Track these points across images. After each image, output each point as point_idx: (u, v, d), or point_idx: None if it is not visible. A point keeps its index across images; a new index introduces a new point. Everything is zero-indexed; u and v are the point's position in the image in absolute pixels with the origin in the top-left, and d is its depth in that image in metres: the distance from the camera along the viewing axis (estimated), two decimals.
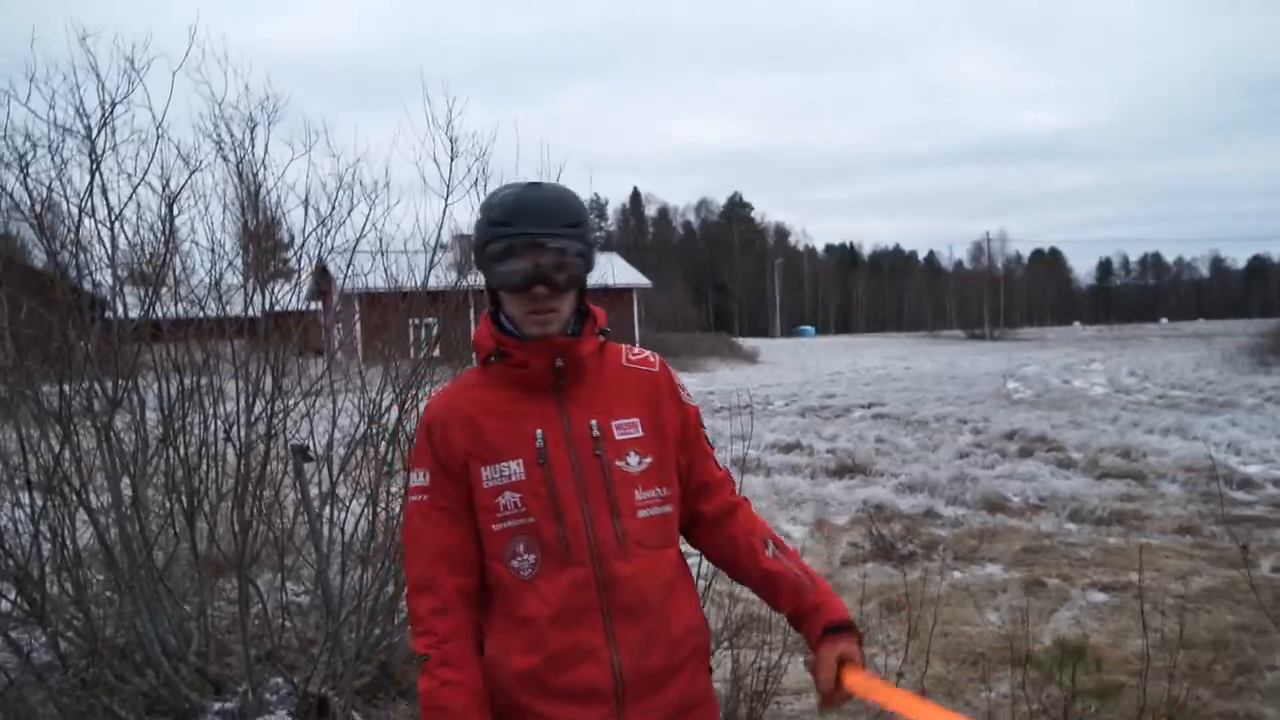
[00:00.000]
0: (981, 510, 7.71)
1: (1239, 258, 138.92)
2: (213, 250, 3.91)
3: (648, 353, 1.72)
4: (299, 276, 4.79)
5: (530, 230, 1.51)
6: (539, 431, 1.56)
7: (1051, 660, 4.04)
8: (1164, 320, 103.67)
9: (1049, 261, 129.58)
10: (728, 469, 1.76)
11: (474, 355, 1.65)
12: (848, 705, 1.66)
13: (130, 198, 3.46)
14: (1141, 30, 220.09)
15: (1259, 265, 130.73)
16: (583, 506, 1.54)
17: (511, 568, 1.55)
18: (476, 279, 5.30)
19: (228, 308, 4.22)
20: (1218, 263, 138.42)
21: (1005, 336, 68.56)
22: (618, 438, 1.58)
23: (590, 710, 1.52)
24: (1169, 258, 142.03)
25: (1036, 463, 10.02)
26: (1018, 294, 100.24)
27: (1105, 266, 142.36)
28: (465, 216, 4.19)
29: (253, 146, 3.72)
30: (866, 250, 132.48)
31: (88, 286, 3.73)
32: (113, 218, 3.42)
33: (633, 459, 1.58)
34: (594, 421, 1.57)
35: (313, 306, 6.21)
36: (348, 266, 4.44)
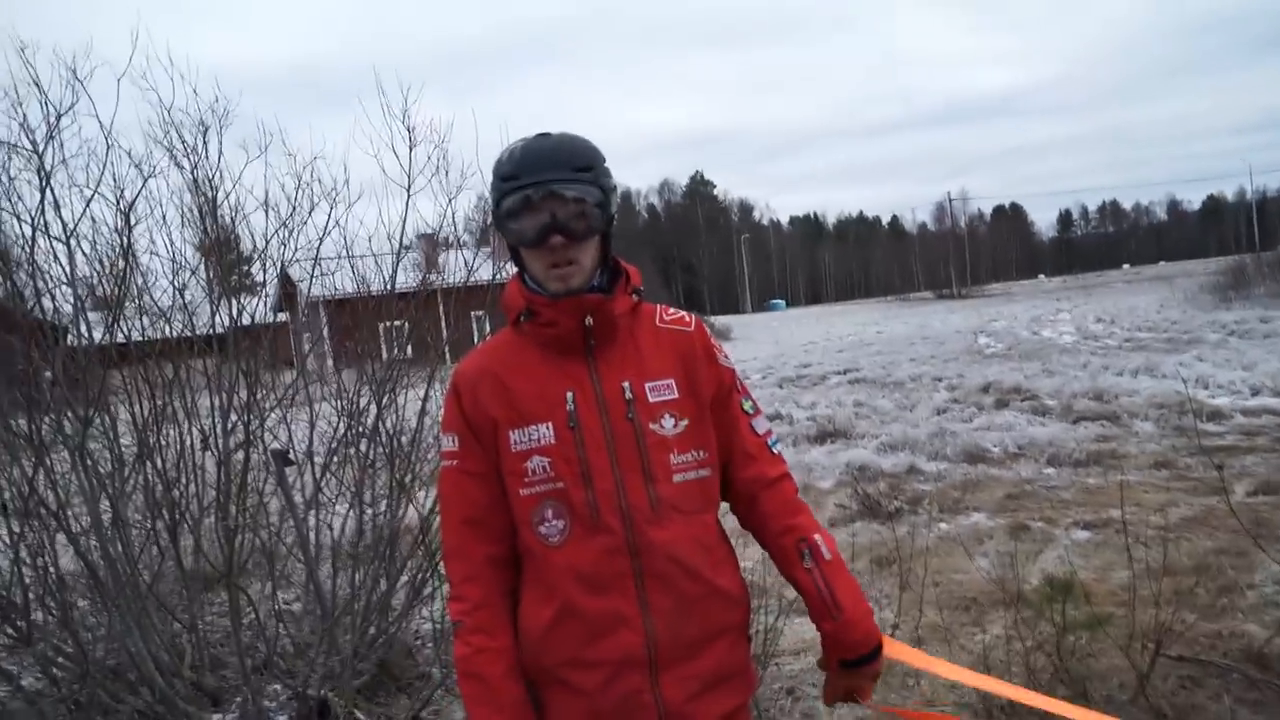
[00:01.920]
0: (963, 463, 7.81)
1: (1194, 199, 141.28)
2: (174, 261, 3.84)
3: (683, 313, 1.66)
4: (264, 287, 4.74)
5: (540, 179, 1.45)
6: (570, 394, 1.51)
7: (1042, 598, 4.12)
8: (1126, 266, 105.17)
9: (1011, 217, 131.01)
10: (770, 439, 1.66)
11: (504, 316, 1.60)
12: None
13: (84, 211, 3.39)
14: None
15: (1214, 205, 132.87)
16: (614, 471, 1.49)
17: (539, 534, 1.51)
18: (442, 277, 5.29)
19: (194, 320, 4.16)
20: (1174, 205, 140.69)
21: (973, 294, 69.24)
22: (651, 400, 1.52)
23: (623, 678, 1.49)
24: (1127, 204, 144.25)
25: (1013, 413, 10.16)
26: (982, 251, 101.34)
27: (1066, 218, 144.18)
28: (429, 209, 4.15)
29: (206, 151, 3.66)
30: (831, 219, 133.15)
31: (48, 307, 3.66)
32: (68, 233, 3.35)
33: (667, 421, 1.53)
34: (626, 383, 1.52)
35: (280, 318, 6.14)
36: (313, 268, 4.39)
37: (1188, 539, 4.99)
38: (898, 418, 10.57)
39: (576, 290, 1.51)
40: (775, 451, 1.66)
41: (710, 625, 1.54)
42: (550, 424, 1.50)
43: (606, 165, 1.54)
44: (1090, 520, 5.60)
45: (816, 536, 1.60)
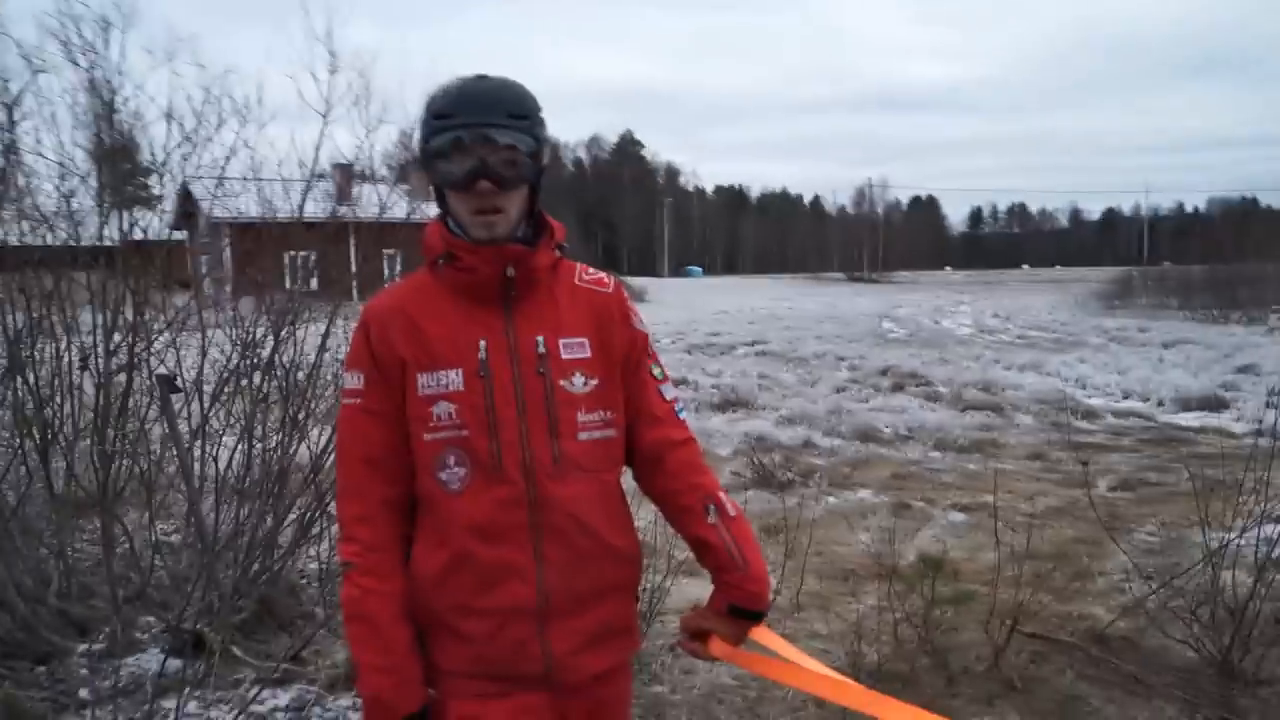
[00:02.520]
0: (855, 441, 8.11)
1: (1094, 210, 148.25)
2: (61, 165, 3.59)
3: (603, 274, 1.64)
4: (161, 201, 4.48)
5: (474, 121, 1.42)
6: (482, 342, 1.49)
7: (914, 574, 4.35)
8: (1026, 266, 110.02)
9: (926, 208, 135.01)
10: (677, 404, 1.65)
11: (422, 256, 1.55)
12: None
13: None
14: None
15: (1111, 218, 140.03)
16: (520, 423, 1.48)
17: (439, 479, 1.49)
18: (354, 209, 5.12)
19: (80, 231, 3.91)
20: (1076, 214, 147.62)
21: (883, 279, 71.39)
22: (564, 357, 1.52)
23: (512, 628, 1.49)
24: (1033, 208, 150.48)
25: (907, 397, 10.58)
26: (896, 239, 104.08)
27: (976, 215, 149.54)
28: (346, 139, 3.99)
29: (107, 50, 3.41)
30: (755, 193, 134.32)
31: None
32: None
33: (578, 379, 1.52)
34: (541, 338, 1.51)
35: (177, 235, 5.82)
36: (216, 189, 4.18)
37: (1052, 526, 5.33)
38: (799, 393, 10.87)
39: (500, 239, 1.48)
40: (681, 417, 1.67)
41: (601, 582, 1.56)
42: (460, 370, 1.48)
43: (542, 116, 1.51)
44: (967, 504, 5.91)
45: (721, 494, 1.62)
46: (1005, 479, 6.41)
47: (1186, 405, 9.87)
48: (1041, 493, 6.21)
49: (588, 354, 1.54)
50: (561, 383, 1.51)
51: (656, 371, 1.65)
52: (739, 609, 1.59)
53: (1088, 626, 3.74)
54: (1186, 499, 5.63)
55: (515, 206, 1.50)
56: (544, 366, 1.50)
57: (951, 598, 3.88)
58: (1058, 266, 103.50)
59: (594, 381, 1.54)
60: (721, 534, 1.58)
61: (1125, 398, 10.76)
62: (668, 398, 1.65)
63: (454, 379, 1.48)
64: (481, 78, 1.48)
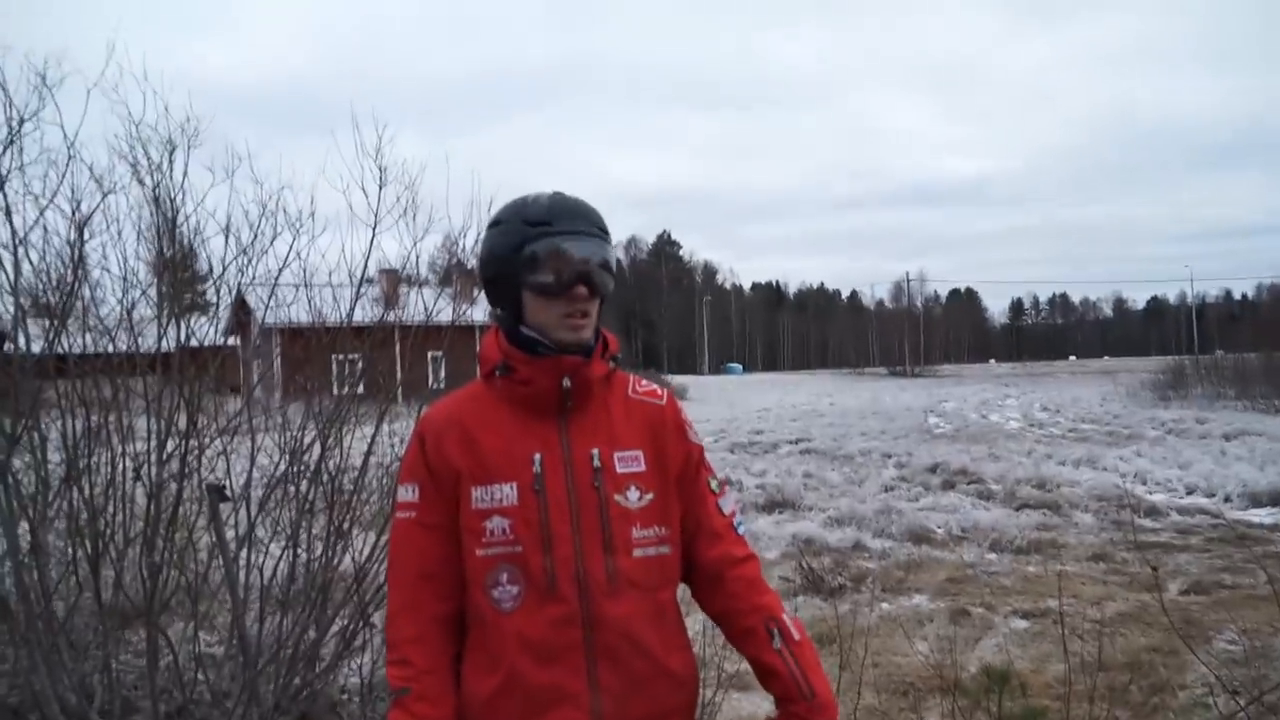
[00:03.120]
0: (907, 542, 7.86)
1: (1139, 299, 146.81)
2: (125, 279, 3.73)
3: (656, 385, 1.64)
4: (216, 309, 4.62)
5: (575, 230, 1.47)
6: (537, 456, 1.47)
7: (979, 687, 4.11)
8: (1072, 357, 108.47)
9: (965, 300, 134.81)
10: (736, 519, 1.63)
11: (478, 368, 1.56)
12: None
13: (37, 221, 3.29)
14: (1051, 84, 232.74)
15: (1156, 306, 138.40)
16: (574, 540, 1.45)
17: (492, 597, 1.46)
18: (400, 313, 5.24)
19: (140, 340, 4.03)
20: (1120, 303, 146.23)
21: (925, 373, 70.69)
22: (619, 471, 1.50)
23: None
24: (1075, 298, 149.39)
25: (958, 495, 10.29)
26: (936, 332, 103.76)
27: (1017, 306, 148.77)
28: (393, 248, 4.11)
29: (171, 170, 3.58)
30: (792, 289, 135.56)
31: None
32: (17, 241, 3.24)
33: (632, 494, 1.50)
34: (596, 450, 1.49)
35: (230, 341, 5.99)
36: (269, 298, 4.31)
37: (1123, 634, 5.05)
38: (846, 492, 10.63)
39: (586, 344, 1.50)
40: (741, 532, 1.63)
41: (657, 707, 1.50)
42: (515, 484, 1.46)
43: None
44: (1028, 609, 5.64)
45: (785, 617, 1.58)
46: (1068, 582, 6.13)
47: (1256, 500, 9.43)
48: (1108, 597, 5.91)
49: (643, 468, 1.53)
50: (616, 497, 1.49)
51: (714, 485, 1.63)
52: None
53: None
54: (1267, 603, 5.33)
55: (596, 315, 1.53)
56: (599, 480, 1.48)
57: (1020, 714, 3.65)
58: (1105, 357, 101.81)
59: (649, 496, 1.52)
60: (787, 661, 1.53)
61: (1189, 493, 10.34)
62: (726, 511, 1.62)
63: (508, 493, 1.46)
64: (562, 192, 1.54)
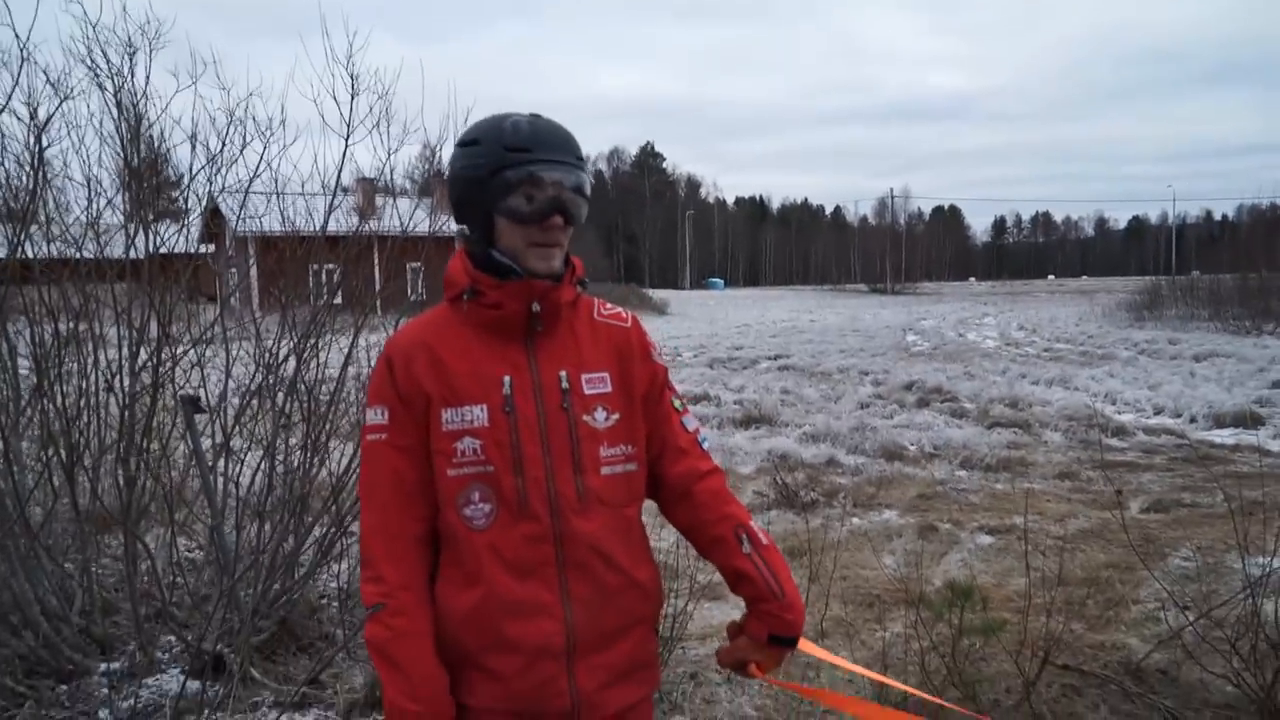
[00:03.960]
0: (880, 459, 8.01)
1: (1120, 219, 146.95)
2: (89, 186, 3.62)
3: (620, 309, 1.66)
4: (187, 217, 4.51)
5: (553, 158, 1.46)
6: (507, 378, 1.49)
7: (942, 601, 4.26)
8: (1051, 277, 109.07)
9: (949, 218, 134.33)
10: (699, 435, 1.68)
11: (444, 291, 1.56)
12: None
13: None
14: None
15: (1138, 226, 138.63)
16: (545, 459, 1.48)
17: (464, 516, 1.49)
18: (377, 223, 5.13)
19: (107, 248, 3.94)
20: (1101, 223, 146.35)
21: (905, 290, 70.96)
22: (586, 392, 1.53)
23: (539, 665, 1.49)
24: (1058, 217, 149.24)
25: (932, 413, 10.46)
26: (918, 249, 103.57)
27: (1000, 224, 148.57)
28: (366, 158, 4.00)
29: (133, 75, 3.44)
30: (776, 204, 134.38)
31: None
32: None
33: (599, 414, 1.53)
34: (564, 373, 1.52)
35: (203, 249, 5.87)
36: (241, 208, 4.20)
37: (1083, 550, 5.22)
38: (822, 408, 10.77)
39: (555, 272, 1.51)
40: (705, 448, 1.68)
41: (626, 617, 1.56)
42: (485, 406, 1.48)
43: None
44: (995, 525, 5.80)
45: (752, 523, 1.64)
46: (1034, 500, 6.29)
47: (1220, 422, 9.65)
48: (1072, 514, 6.08)
49: (609, 389, 1.55)
50: (584, 418, 1.52)
51: (677, 404, 1.67)
52: (778, 637, 1.60)
53: (1122, 658, 3.64)
54: (1224, 521, 5.52)
55: (567, 243, 1.53)
56: (567, 401, 1.51)
57: (981, 626, 3.79)
58: (1084, 276, 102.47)
59: (615, 416, 1.55)
60: (757, 564, 1.60)
61: (1157, 414, 10.57)
62: (690, 429, 1.67)
63: (479, 415, 1.48)
64: (539, 117, 1.52)
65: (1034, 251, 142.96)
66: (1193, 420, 9.98)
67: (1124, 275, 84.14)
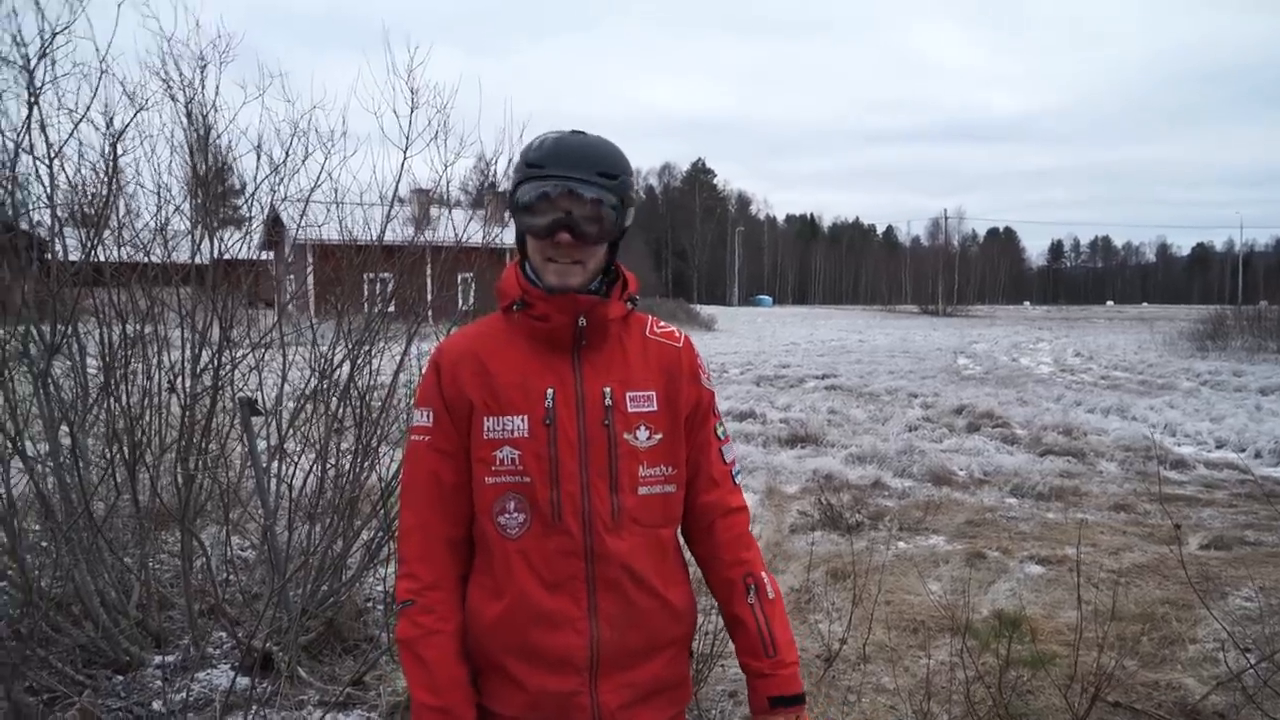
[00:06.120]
0: (928, 483, 7.87)
1: (1184, 245, 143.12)
2: (158, 194, 3.76)
3: (674, 328, 1.66)
4: (250, 224, 4.65)
5: (563, 174, 1.45)
6: (550, 390, 1.50)
7: (989, 630, 4.17)
8: (1110, 303, 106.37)
9: (1003, 240, 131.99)
10: (735, 468, 1.67)
11: (497, 301, 1.58)
12: None
13: (71, 134, 3.31)
14: (1103, 21, 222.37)
15: (1202, 253, 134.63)
16: (582, 475, 1.49)
17: (499, 524, 1.50)
18: (431, 234, 5.24)
19: (174, 254, 4.08)
20: (1164, 249, 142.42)
21: (957, 313, 69.74)
22: (629, 410, 1.52)
23: (561, 678, 1.50)
24: (1118, 242, 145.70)
25: (983, 438, 10.24)
26: (972, 271, 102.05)
27: (1057, 248, 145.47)
28: (424, 170, 4.09)
29: (203, 87, 3.58)
30: (826, 222, 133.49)
31: (25, 226, 3.57)
32: (52, 154, 3.27)
33: (642, 433, 1.53)
34: (608, 389, 1.52)
35: (263, 256, 6.04)
36: (301, 216, 4.32)
37: (1138, 585, 5.06)
38: (870, 430, 10.63)
39: (572, 289, 1.50)
40: (738, 482, 1.67)
41: (655, 637, 1.55)
42: (526, 417, 1.49)
43: (631, 178, 1.53)
44: (1045, 555, 5.66)
45: (763, 574, 1.63)
46: (1087, 531, 6.13)
47: None
48: (1126, 548, 5.90)
49: (654, 408, 1.55)
50: (625, 435, 1.52)
51: (720, 431, 1.66)
52: (777, 699, 1.58)
53: (1177, 699, 3.52)
54: None
55: (594, 260, 1.52)
56: (609, 418, 1.51)
57: (1029, 658, 3.70)
58: (1145, 304, 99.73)
59: (658, 436, 1.54)
60: (758, 616, 1.59)
61: (1219, 447, 10.20)
62: (727, 460, 1.66)
63: (519, 425, 1.49)
64: (577, 134, 1.52)
65: (1092, 277, 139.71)
66: (1258, 455, 9.61)
67: (1187, 304, 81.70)
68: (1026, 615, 4.42)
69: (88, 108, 3.29)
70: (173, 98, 3.57)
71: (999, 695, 3.27)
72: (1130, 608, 4.53)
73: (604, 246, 1.53)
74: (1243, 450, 9.92)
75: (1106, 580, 4.70)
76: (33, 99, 3.13)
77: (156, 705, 3.23)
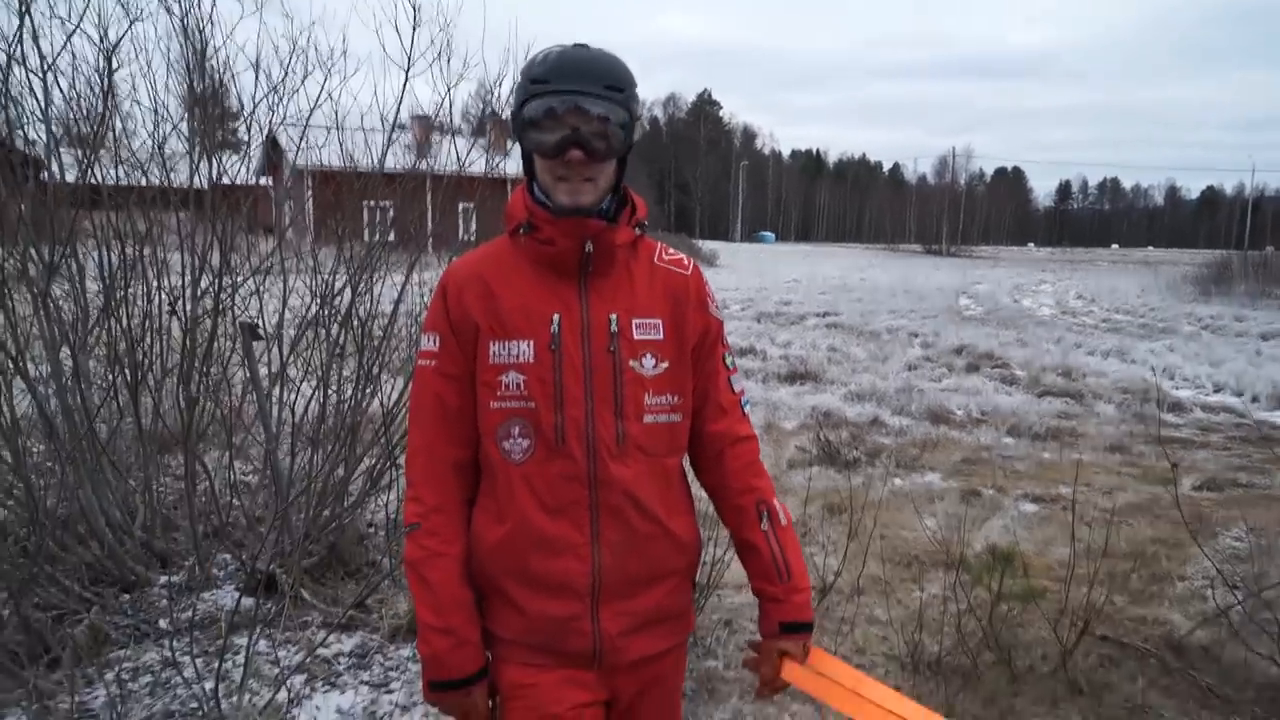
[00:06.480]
0: (925, 421, 7.92)
1: (1194, 188, 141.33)
2: (156, 112, 3.67)
3: (682, 255, 1.62)
4: (248, 147, 4.56)
5: (569, 89, 1.41)
6: (556, 316, 1.48)
7: (981, 565, 4.24)
8: (1115, 246, 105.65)
9: (1011, 180, 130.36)
10: (744, 398, 1.65)
11: (504, 223, 1.55)
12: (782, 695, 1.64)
13: (65, 45, 3.21)
14: None
15: (1211, 197, 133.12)
16: (587, 401, 1.47)
17: (503, 449, 1.50)
18: (432, 161, 5.15)
19: (172, 175, 4.01)
20: (1173, 192, 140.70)
21: (961, 253, 69.32)
22: (636, 337, 1.50)
23: (563, 603, 1.51)
24: (1127, 184, 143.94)
25: (982, 378, 10.29)
26: (977, 211, 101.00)
27: (1064, 189, 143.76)
28: (426, 93, 4.00)
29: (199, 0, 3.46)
30: (832, 158, 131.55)
31: (19, 143, 3.50)
32: (45, 67, 3.17)
33: (648, 361, 1.51)
34: (614, 315, 1.50)
35: (262, 181, 5.95)
36: (301, 140, 4.23)
37: (1130, 524, 5.13)
38: (869, 368, 10.66)
39: (584, 209, 1.47)
40: (746, 411, 1.66)
41: (657, 566, 1.55)
42: (531, 342, 1.48)
43: (636, 91, 1.48)
44: (1040, 494, 5.73)
45: (775, 500, 1.62)
46: (1083, 470, 6.18)
47: None
48: (1121, 487, 5.97)
49: (660, 335, 1.53)
50: (631, 363, 1.50)
51: (729, 361, 1.64)
52: (788, 624, 1.59)
53: (1164, 633, 3.59)
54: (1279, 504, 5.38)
55: (604, 178, 1.48)
56: (615, 345, 1.49)
57: (1020, 593, 3.76)
58: (1150, 247, 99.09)
59: (665, 364, 1.52)
60: (770, 541, 1.59)
61: (1217, 391, 10.26)
62: (735, 389, 1.64)
63: (525, 350, 1.48)
64: (581, 47, 1.46)
65: (1098, 219, 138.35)
66: (1254, 400, 9.67)
67: (1193, 248, 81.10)
68: (1019, 551, 4.49)
69: (80, 17, 3.19)
70: (168, 9, 3.46)
71: (989, 627, 3.33)
72: (1122, 546, 4.59)
73: (614, 162, 1.48)
74: (1240, 394, 9.98)
75: (1099, 519, 4.74)
76: (24, 8, 3.02)
77: (163, 623, 3.29)
